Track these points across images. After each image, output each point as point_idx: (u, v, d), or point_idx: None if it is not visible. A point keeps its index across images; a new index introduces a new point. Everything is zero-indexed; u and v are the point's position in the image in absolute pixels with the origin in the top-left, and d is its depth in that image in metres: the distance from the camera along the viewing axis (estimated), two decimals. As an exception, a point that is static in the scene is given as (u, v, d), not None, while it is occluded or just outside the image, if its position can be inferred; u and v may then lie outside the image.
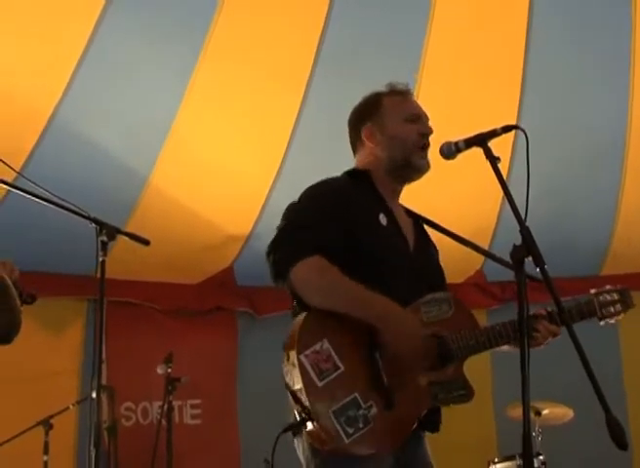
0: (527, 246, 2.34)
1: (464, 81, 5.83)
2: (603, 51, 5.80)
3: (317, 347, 2.60)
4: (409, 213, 3.08)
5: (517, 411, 2.29)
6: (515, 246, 2.35)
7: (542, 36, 5.70)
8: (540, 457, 5.21)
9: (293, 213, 2.85)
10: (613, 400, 2.18)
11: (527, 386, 2.24)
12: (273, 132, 5.90)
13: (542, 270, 2.34)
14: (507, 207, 2.43)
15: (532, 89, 5.85)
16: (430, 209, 3.11)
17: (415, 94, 3.13)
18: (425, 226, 3.12)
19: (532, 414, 5.36)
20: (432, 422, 2.81)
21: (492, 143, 2.59)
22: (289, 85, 5.72)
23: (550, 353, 2.93)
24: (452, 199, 5.64)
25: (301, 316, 2.68)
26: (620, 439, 2.15)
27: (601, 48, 5.80)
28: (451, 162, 2.70)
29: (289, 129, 5.81)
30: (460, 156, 2.68)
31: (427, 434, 2.87)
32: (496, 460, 5.41)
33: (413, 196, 3.09)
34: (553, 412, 5.55)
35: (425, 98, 3.08)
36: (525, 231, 2.37)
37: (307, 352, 2.59)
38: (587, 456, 6.15)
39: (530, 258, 2.33)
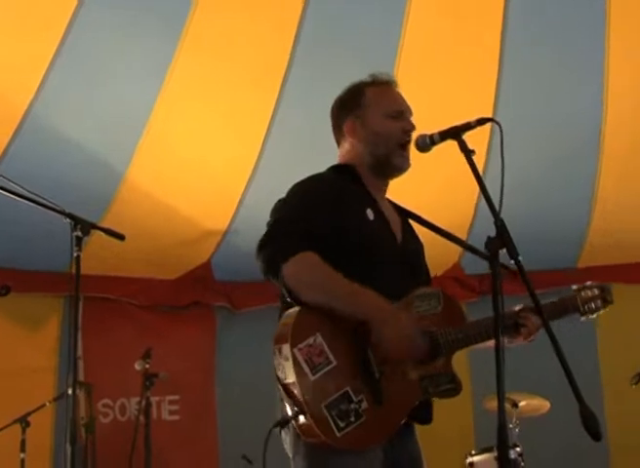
0: (501, 238, 2.35)
1: (440, 75, 5.84)
2: (578, 43, 5.82)
3: (310, 341, 2.60)
4: (395, 207, 3.08)
5: (494, 404, 2.30)
6: (489, 238, 2.36)
7: (518, 30, 5.71)
8: (517, 449, 5.23)
9: (281, 209, 2.85)
10: (589, 391, 2.19)
11: (502, 378, 2.24)
12: (250, 126, 5.88)
13: (517, 262, 2.35)
14: (484, 199, 2.44)
15: (507, 82, 5.87)
16: (406, 202, 3.11)
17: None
18: (411, 221, 3.12)
19: (508, 406, 5.39)
20: (424, 414, 2.82)
21: (468, 136, 2.60)
22: (265, 80, 5.71)
23: (527, 345, 2.94)
24: (428, 192, 5.65)
25: (294, 310, 2.68)
26: (593, 430, 2.17)
27: (576, 40, 5.82)
28: (426, 154, 2.71)
29: (265, 123, 5.80)
30: (436, 149, 2.68)
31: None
32: (473, 452, 5.44)
33: (389, 190, 3.08)
34: (530, 404, 5.57)
35: (402, 92, 3.07)
36: (499, 223, 2.37)
37: (301, 345, 2.59)
38: (564, 448, 6.19)
39: (505, 250, 2.34)
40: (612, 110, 5.98)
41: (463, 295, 6.38)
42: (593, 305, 2.99)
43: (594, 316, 3.01)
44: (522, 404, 5.51)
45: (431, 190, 5.82)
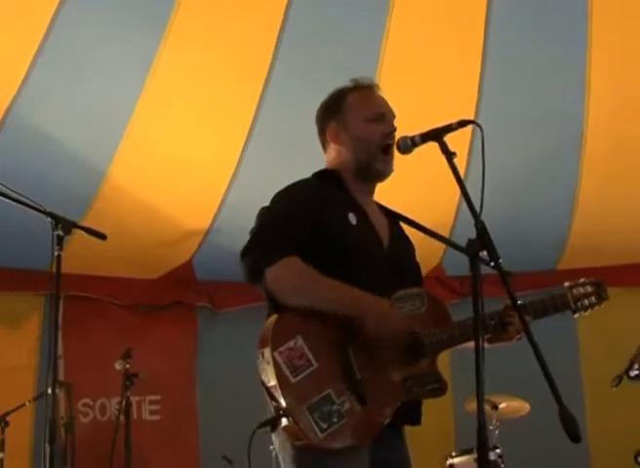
0: (482, 240, 2.36)
1: (423, 76, 5.85)
2: (560, 44, 5.85)
3: (291, 344, 2.62)
4: (384, 210, 3.08)
5: (474, 405, 2.30)
6: (470, 240, 2.37)
7: (501, 30, 5.73)
8: (497, 450, 5.25)
9: (266, 215, 2.86)
10: (570, 393, 2.20)
11: (481, 380, 2.25)
12: (233, 126, 5.88)
13: (497, 264, 2.36)
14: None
15: (490, 84, 5.88)
16: (388, 204, 3.12)
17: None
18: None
19: (488, 408, 5.41)
20: (412, 415, 2.83)
21: (449, 138, 2.60)
22: (248, 79, 5.71)
23: (508, 347, 2.95)
24: (410, 194, 5.65)
25: (275, 315, 2.70)
26: (572, 432, 2.17)
27: (558, 42, 5.85)
28: (408, 156, 2.72)
29: (248, 123, 5.79)
30: (418, 151, 2.69)
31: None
32: (453, 454, 5.45)
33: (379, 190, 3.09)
34: (510, 406, 5.59)
35: (384, 92, 3.07)
36: (480, 225, 2.38)
37: (281, 349, 2.61)
38: (545, 449, 6.20)
39: (485, 252, 2.34)
40: (593, 113, 6.01)
41: (445, 297, 6.36)
42: (587, 302, 2.98)
43: (588, 312, 3.00)
44: (502, 405, 5.53)
45: (413, 192, 5.83)
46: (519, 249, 5.76)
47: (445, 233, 5.93)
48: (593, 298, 2.99)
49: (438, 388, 2.79)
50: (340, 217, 2.87)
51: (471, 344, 2.74)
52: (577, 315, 2.98)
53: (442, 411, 6.09)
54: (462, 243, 2.42)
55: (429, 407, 2.84)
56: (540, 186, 6.39)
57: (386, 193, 3.10)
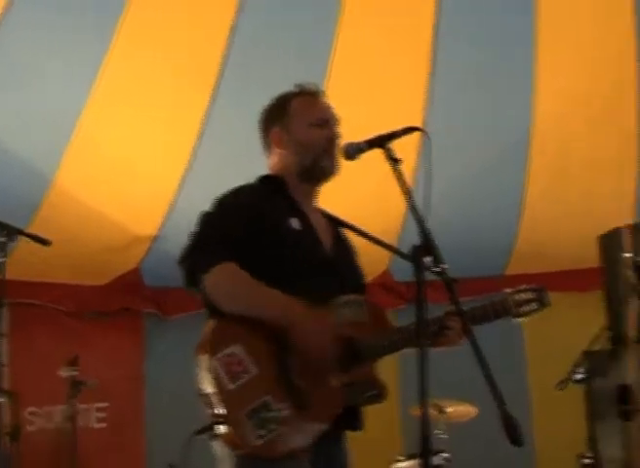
0: (426, 246, 2.38)
1: (371, 83, 5.88)
2: (507, 53, 5.92)
3: (229, 351, 2.61)
4: (327, 216, 3.09)
5: (424, 410, 2.32)
6: (414, 246, 2.39)
7: (448, 39, 5.78)
8: (444, 454, 5.28)
9: (205, 220, 2.85)
10: (516, 397, 2.22)
11: (426, 385, 2.27)
12: (182, 130, 5.85)
13: (440, 270, 2.38)
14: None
15: (437, 91, 5.93)
16: (336, 210, 3.13)
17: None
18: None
19: (435, 412, 5.44)
20: (352, 421, 2.83)
21: (398, 144, 2.62)
22: (198, 82, 5.69)
23: (458, 352, 2.97)
24: (357, 200, 5.68)
25: (213, 321, 2.69)
26: (513, 435, 2.19)
27: (505, 51, 5.92)
28: (357, 162, 2.73)
29: (197, 127, 5.77)
30: (365, 156, 2.70)
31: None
32: (399, 458, 5.48)
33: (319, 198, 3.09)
34: (458, 410, 5.63)
35: (333, 99, 3.09)
36: (424, 231, 2.41)
37: (219, 355, 2.60)
38: (492, 453, 6.22)
39: (429, 258, 2.37)
40: (540, 117, 6.08)
41: (392, 303, 6.43)
42: (528, 308, 2.99)
43: (527, 319, 3.01)
44: (449, 410, 5.57)
45: (360, 198, 5.85)
46: (467, 254, 5.81)
47: (393, 239, 5.98)
48: (534, 304, 2.99)
49: (377, 394, 2.79)
50: (281, 222, 2.87)
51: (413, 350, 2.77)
52: (518, 321, 3.01)
53: (389, 416, 6.11)
54: (410, 249, 2.43)
55: (376, 412, 2.85)
56: (487, 192, 6.45)
57: (333, 199, 3.12)
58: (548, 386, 5.25)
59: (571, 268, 6.76)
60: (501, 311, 2.97)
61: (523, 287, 3.04)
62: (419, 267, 2.37)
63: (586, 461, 4.94)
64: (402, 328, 2.83)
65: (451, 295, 2.40)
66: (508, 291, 3.02)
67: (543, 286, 3.06)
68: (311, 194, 3.05)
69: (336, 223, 3.10)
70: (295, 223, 2.89)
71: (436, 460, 5.26)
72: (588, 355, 4.91)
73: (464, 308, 2.81)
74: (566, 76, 6.00)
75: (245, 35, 5.54)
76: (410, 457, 5.42)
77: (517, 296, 2.99)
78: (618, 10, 5.79)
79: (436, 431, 5.43)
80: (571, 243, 6.50)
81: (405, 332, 2.80)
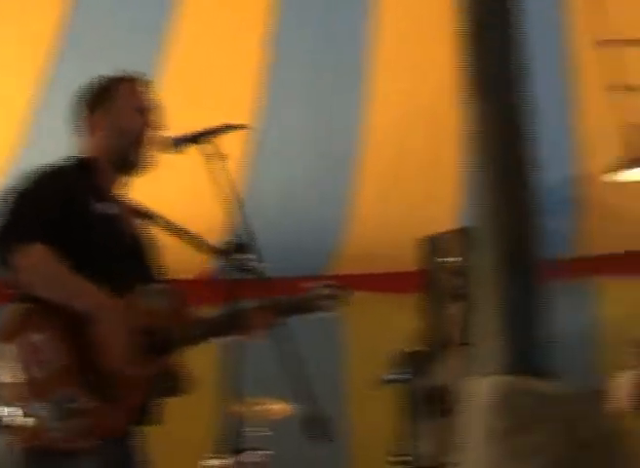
0: (240, 244, 2.40)
1: (206, 87, 5.83)
2: (343, 60, 6.00)
3: (31, 338, 2.54)
4: (136, 207, 3.06)
5: (237, 407, 2.33)
6: (228, 243, 2.42)
7: (288, 45, 5.81)
8: (261, 452, 5.28)
9: (13, 199, 2.77)
10: (332, 395, 2.24)
11: (239, 381, 2.28)
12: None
13: (254, 268, 2.41)
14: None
15: (274, 95, 5.94)
16: (154, 205, 3.09)
17: (157, 82, 3.11)
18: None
19: (251, 409, 5.44)
20: (151, 415, 2.81)
21: (229, 143, 2.62)
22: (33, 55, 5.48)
23: (274, 350, 2.98)
24: (176, 197, 5.62)
25: (18, 306, 2.62)
26: (311, 431, 2.25)
27: (341, 58, 5.99)
28: (181, 156, 2.73)
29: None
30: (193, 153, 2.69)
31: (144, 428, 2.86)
32: (209, 456, 5.43)
33: (140, 192, 3.07)
34: (275, 408, 5.64)
35: (166, 90, 3.06)
36: (239, 230, 2.43)
37: (21, 343, 2.52)
38: (312, 450, 6.29)
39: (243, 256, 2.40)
40: (377, 124, 6.18)
41: (215, 299, 6.38)
42: (325, 304, 3.12)
43: (327, 314, 3.14)
44: (265, 407, 5.57)
45: (180, 195, 5.79)
46: (293, 254, 5.89)
47: (215, 235, 5.94)
48: (332, 301, 3.12)
49: (177, 387, 2.80)
50: (86, 206, 2.83)
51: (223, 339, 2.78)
52: (319, 316, 3.12)
53: (203, 412, 6.05)
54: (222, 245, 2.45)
55: (190, 407, 2.83)
56: (316, 197, 6.51)
57: (153, 194, 3.09)
58: (365, 384, 5.36)
59: (396, 270, 6.90)
60: (302, 306, 3.11)
61: (322, 283, 3.17)
62: (230, 264, 2.47)
63: (394, 459, 5.06)
64: (207, 319, 2.88)
65: (263, 291, 2.44)
66: (308, 286, 3.14)
67: (342, 284, 3.21)
68: (121, 181, 3.02)
69: (144, 216, 3.08)
70: (101, 207, 2.86)
71: (249, 458, 5.25)
72: (406, 355, 5.03)
73: (266, 303, 2.88)
74: (405, 82, 6.10)
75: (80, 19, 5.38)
76: (220, 456, 5.37)
77: (316, 292, 3.12)
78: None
79: (252, 428, 5.42)
80: (394, 245, 6.64)
81: (209, 324, 2.85)
